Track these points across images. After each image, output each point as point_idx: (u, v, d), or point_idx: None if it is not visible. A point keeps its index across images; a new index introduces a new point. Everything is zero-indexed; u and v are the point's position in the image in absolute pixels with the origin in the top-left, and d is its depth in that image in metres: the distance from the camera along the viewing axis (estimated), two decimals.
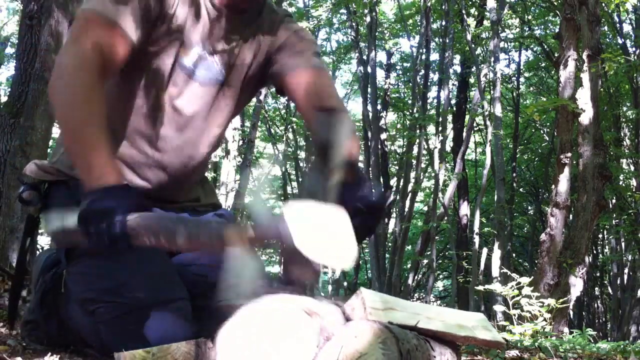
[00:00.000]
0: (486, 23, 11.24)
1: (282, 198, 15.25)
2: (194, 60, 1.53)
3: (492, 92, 10.49)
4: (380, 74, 14.86)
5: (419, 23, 12.75)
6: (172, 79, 1.53)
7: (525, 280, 3.94)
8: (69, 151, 1.38)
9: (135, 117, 1.56)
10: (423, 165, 12.14)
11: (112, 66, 1.39)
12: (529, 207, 16.40)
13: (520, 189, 15.37)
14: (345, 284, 17.14)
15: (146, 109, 1.55)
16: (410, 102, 13.61)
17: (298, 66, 1.61)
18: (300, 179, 14.14)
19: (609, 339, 9.65)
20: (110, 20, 1.37)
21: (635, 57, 9.94)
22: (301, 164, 14.26)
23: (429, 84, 12.77)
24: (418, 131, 11.31)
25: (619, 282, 12.23)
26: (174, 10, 1.48)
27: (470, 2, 11.52)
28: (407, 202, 11.56)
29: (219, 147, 1.67)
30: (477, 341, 1.10)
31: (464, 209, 12.40)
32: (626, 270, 12.15)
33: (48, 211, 1.59)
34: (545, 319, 3.73)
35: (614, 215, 11.32)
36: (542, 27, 12.82)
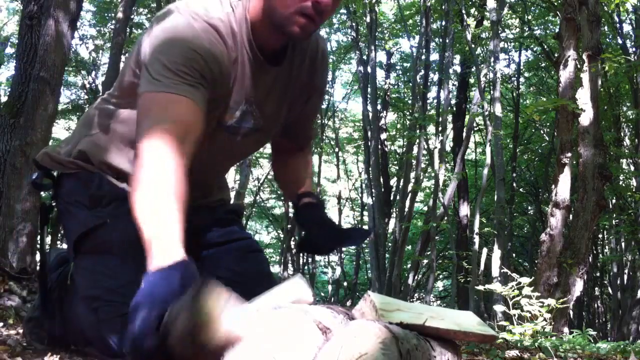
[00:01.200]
0: (486, 23, 11.24)
1: (282, 198, 15.25)
2: (238, 118, 1.54)
3: (492, 92, 10.50)
4: (380, 74, 14.88)
5: (418, 23, 12.76)
6: (213, 138, 1.52)
7: (525, 280, 3.94)
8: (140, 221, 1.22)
9: None
10: (423, 165, 12.14)
11: (194, 137, 1.34)
12: (529, 207, 16.41)
13: (520, 189, 15.37)
14: (345, 283, 17.16)
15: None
16: (410, 102, 13.62)
17: (304, 118, 1.76)
18: None
19: (609, 339, 9.66)
20: (179, 93, 1.32)
21: (636, 57, 9.94)
22: None
23: (429, 84, 12.78)
24: (418, 131, 11.31)
25: (619, 282, 12.23)
26: (225, 76, 1.45)
27: (470, 2, 11.51)
28: (407, 202, 11.56)
29: None
30: (475, 336, 1.11)
31: (464, 209, 12.40)
32: (626, 270, 12.15)
33: (58, 199, 1.60)
34: (545, 319, 3.73)
35: (614, 215, 11.32)
36: (542, 27, 12.82)
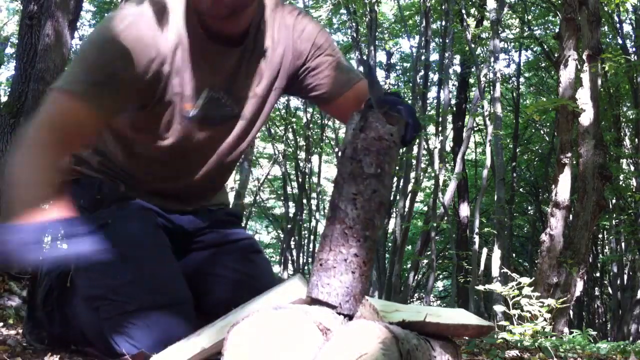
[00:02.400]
0: (486, 23, 11.24)
1: (282, 198, 15.25)
2: (201, 106, 1.50)
3: (492, 92, 10.49)
4: (380, 74, 14.87)
5: (418, 23, 12.75)
6: (181, 131, 1.52)
7: (525, 280, 3.93)
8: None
9: (150, 164, 1.59)
10: (423, 165, 12.14)
11: (78, 139, 1.44)
12: (529, 207, 16.40)
13: (520, 189, 15.36)
14: None
15: (161, 158, 1.57)
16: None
17: (342, 90, 1.60)
18: (300, 179, 14.13)
19: (609, 339, 9.65)
20: (80, 97, 1.36)
21: (636, 57, 9.94)
22: (301, 164, 14.26)
23: (429, 84, 12.77)
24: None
25: (619, 282, 12.22)
26: (171, 67, 1.44)
27: (470, 2, 11.51)
28: (407, 202, 11.56)
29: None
30: (474, 328, 1.11)
31: (464, 209, 12.40)
32: (626, 270, 12.15)
33: None
34: (545, 319, 3.73)
35: (614, 215, 11.32)
36: (542, 27, 12.82)
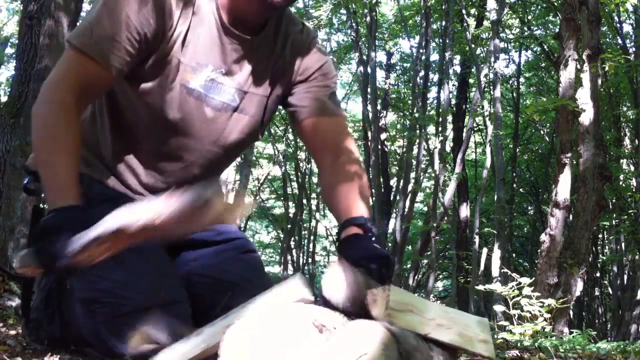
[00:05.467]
0: (486, 23, 11.24)
1: (282, 198, 15.25)
2: (202, 83, 1.50)
3: (492, 92, 10.49)
4: (380, 74, 14.87)
5: (418, 23, 12.75)
6: (180, 102, 1.51)
7: (525, 280, 3.94)
8: (40, 174, 1.45)
9: (145, 138, 1.58)
10: (423, 166, 12.14)
11: (92, 95, 1.49)
12: (529, 207, 16.40)
13: (520, 189, 15.36)
14: None
15: (155, 131, 1.56)
16: (410, 102, 13.61)
17: (317, 113, 1.61)
18: (299, 180, 14.14)
19: (609, 339, 9.65)
20: (92, 55, 1.41)
21: (635, 57, 9.94)
22: (301, 164, 14.26)
23: (429, 84, 12.77)
24: (418, 131, 11.30)
25: (619, 282, 12.22)
26: (172, 31, 1.45)
27: (470, 2, 11.51)
28: (407, 202, 11.56)
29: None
30: (473, 353, 1.10)
31: (464, 209, 12.40)
32: (626, 270, 12.14)
33: None
34: (545, 319, 3.73)
35: (614, 215, 11.31)
36: (542, 27, 12.81)
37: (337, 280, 1.11)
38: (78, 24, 1.63)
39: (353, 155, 1.60)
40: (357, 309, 1.05)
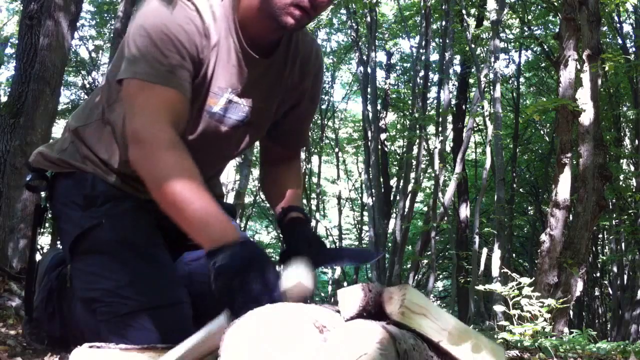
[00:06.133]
0: (486, 23, 11.23)
1: None
2: (222, 105, 1.52)
3: (492, 92, 10.49)
4: (380, 74, 14.88)
5: (418, 23, 12.75)
6: (202, 125, 1.52)
7: (525, 280, 3.93)
8: (180, 219, 1.31)
9: None
10: (423, 166, 12.14)
11: (183, 123, 1.40)
12: (529, 207, 16.40)
13: (520, 189, 15.36)
14: (345, 284, 17.15)
15: None
16: (410, 102, 13.61)
17: (285, 144, 1.74)
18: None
19: (609, 339, 9.65)
20: (168, 85, 1.36)
21: (635, 57, 9.94)
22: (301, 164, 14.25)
23: (429, 84, 12.77)
24: (418, 131, 11.30)
25: (619, 282, 12.22)
26: (204, 56, 1.45)
27: (470, 2, 11.51)
28: (407, 202, 11.56)
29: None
30: None
31: (464, 209, 12.40)
32: (626, 270, 12.14)
33: (53, 201, 1.60)
34: (545, 319, 3.73)
35: (614, 215, 11.31)
36: (542, 27, 12.81)
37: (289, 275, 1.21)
38: (114, 61, 1.52)
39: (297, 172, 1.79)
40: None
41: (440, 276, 18.25)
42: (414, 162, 11.80)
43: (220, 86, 1.49)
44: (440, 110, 11.62)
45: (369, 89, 12.37)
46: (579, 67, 5.56)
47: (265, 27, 1.46)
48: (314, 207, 14.83)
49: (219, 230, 1.25)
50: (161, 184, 1.28)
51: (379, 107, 13.50)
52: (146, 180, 1.32)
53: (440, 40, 12.19)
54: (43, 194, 1.71)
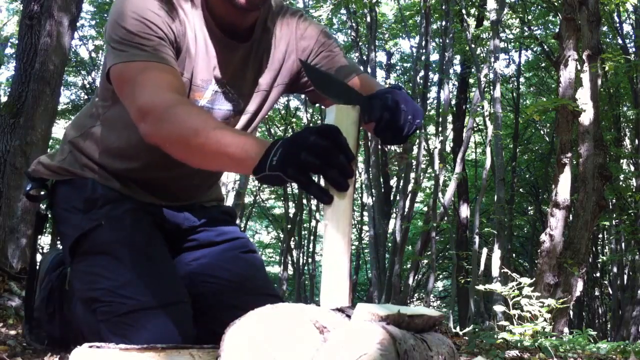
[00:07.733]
0: (486, 23, 11.23)
1: (282, 198, 15.24)
2: (209, 98, 1.52)
3: (492, 92, 10.49)
4: (380, 74, 14.87)
5: (418, 23, 12.75)
6: None
7: (525, 280, 3.94)
8: (213, 164, 1.28)
9: (150, 150, 1.56)
10: (423, 166, 12.13)
11: (183, 94, 1.38)
12: (529, 207, 16.40)
13: (520, 189, 15.36)
14: None
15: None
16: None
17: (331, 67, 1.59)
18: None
19: (609, 339, 9.65)
20: (153, 59, 1.35)
21: (635, 57, 9.94)
22: None
23: (429, 84, 12.77)
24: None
25: (619, 282, 12.22)
26: (181, 41, 1.45)
27: (470, 2, 11.51)
28: (407, 202, 11.56)
29: None
30: (431, 318, 1.10)
31: (464, 209, 12.40)
32: (626, 270, 12.15)
33: (54, 207, 1.61)
34: (545, 319, 3.73)
35: (614, 215, 11.32)
36: (542, 27, 12.81)
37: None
38: (105, 47, 1.49)
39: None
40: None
41: (440, 276, 18.25)
42: (414, 162, 11.81)
43: (203, 78, 1.49)
44: (440, 110, 11.62)
45: None
46: (579, 67, 5.56)
47: (229, 11, 1.46)
48: (314, 207, 14.82)
49: (254, 146, 1.14)
50: (185, 136, 1.22)
51: None
52: (168, 143, 1.27)
53: (440, 40, 12.19)
54: (42, 205, 1.72)
